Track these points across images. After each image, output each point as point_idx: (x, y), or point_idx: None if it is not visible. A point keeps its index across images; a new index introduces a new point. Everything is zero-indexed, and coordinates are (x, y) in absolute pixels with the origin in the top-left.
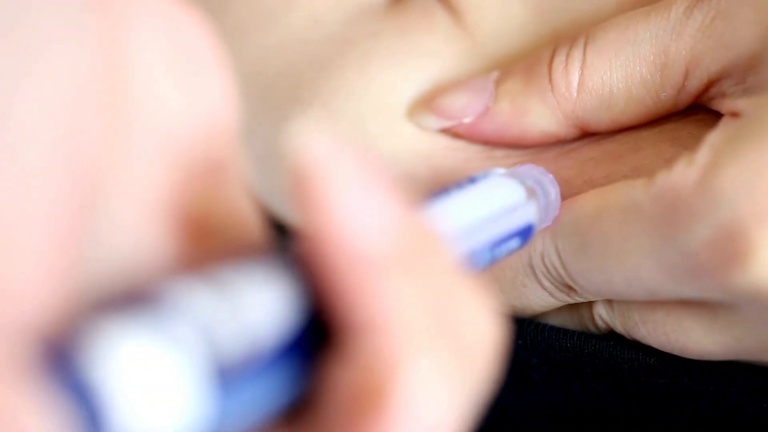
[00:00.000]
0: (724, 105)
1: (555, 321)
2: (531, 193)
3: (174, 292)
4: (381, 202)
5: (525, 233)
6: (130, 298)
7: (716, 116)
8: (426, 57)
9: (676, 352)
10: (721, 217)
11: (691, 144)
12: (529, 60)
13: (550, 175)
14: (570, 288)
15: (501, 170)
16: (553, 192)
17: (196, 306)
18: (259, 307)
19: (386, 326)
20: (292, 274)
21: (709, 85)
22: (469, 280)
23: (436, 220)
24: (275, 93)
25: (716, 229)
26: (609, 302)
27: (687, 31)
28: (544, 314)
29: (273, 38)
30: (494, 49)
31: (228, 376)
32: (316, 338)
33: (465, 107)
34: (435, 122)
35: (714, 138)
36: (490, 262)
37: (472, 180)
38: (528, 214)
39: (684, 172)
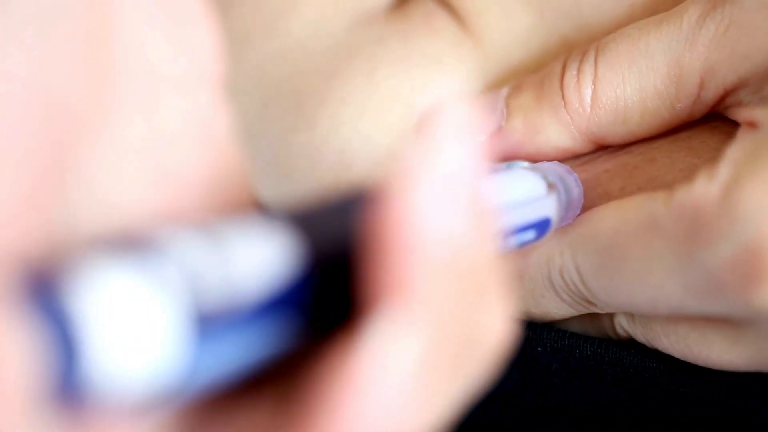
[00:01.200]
0: (740, 114)
1: (575, 327)
2: (551, 187)
3: (164, 237)
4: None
5: (542, 226)
6: (120, 240)
7: (729, 123)
8: (431, 62)
9: (699, 363)
10: (743, 235)
11: (705, 152)
12: (540, 74)
13: (575, 174)
14: (589, 302)
15: (525, 163)
16: (576, 191)
17: (184, 252)
18: (249, 261)
19: (400, 306)
20: (289, 232)
21: (725, 95)
22: (496, 278)
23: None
24: (279, 102)
25: (738, 248)
26: (630, 314)
27: (700, 41)
28: (564, 321)
29: (275, 44)
30: (500, 52)
31: (210, 324)
32: (309, 302)
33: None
34: None
35: (734, 152)
36: (503, 251)
37: (494, 170)
38: (546, 208)
39: (705, 189)
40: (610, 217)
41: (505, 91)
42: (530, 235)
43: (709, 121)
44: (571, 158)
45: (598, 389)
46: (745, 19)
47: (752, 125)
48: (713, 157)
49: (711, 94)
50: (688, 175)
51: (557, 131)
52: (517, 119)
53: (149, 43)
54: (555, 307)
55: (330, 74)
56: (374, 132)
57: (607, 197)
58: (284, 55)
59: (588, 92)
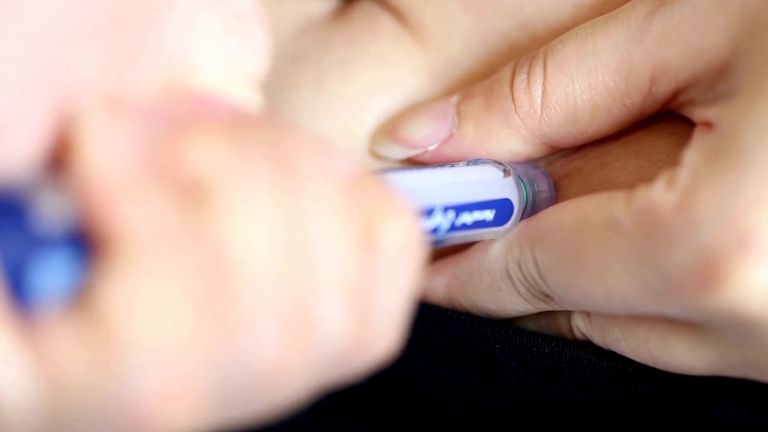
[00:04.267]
0: (694, 113)
1: (531, 326)
2: (507, 173)
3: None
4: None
5: (501, 207)
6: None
7: (677, 125)
8: (375, 61)
9: (658, 367)
10: (700, 240)
11: (654, 155)
12: (489, 80)
13: (541, 168)
14: (546, 296)
15: (486, 159)
16: (544, 182)
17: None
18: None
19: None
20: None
21: (678, 92)
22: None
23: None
24: None
25: (695, 253)
26: (587, 314)
27: (649, 37)
28: (520, 319)
29: None
30: (441, 50)
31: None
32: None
33: (429, 135)
34: (399, 152)
35: (692, 157)
36: (456, 226)
37: (453, 165)
38: (502, 190)
39: (664, 194)
40: (569, 213)
41: (455, 98)
42: (488, 214)
43: (658, 124)
44: (525, 163)
45: (555, 388)
46: (698, 16)
47: (707, 126)
48: (661, 159)
49: (663, 89)
50: (639, 178)
51: (508, 135)
52: (468, 125)
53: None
54: (511, 302)
55: (279, 83)
56: (330, 137)
57: (565, 200)
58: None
59: (538, 93)
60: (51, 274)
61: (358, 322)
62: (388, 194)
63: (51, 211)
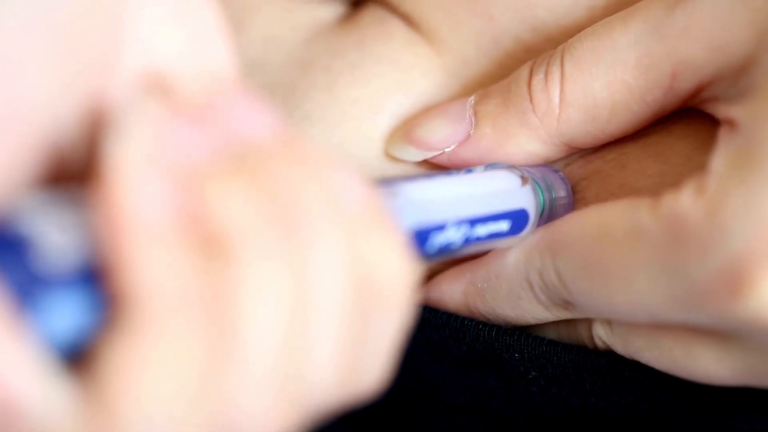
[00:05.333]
0: (718, 110)
1: (551, 335)
2: (525, 181)
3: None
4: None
5: (516, 218)
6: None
7: (697, 127)
8: (387, 63)
9: (683, 377)
10: (729, 248)
11: (673, 158)
12: (506, 80)
13: (561, 173)
14: (567, 304)
15: (503, 165)
16: (563, 188)
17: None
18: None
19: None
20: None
21: (701, 88)
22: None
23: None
24: None
25: (724, 261)
26: (608, 323)
27: (670, 32)
28: (540, 327)
29: None
30: (452, 53)
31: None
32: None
33: (446, 137)
34: (415, 154)
35: (718, 162)
36: (470, 239)
37: (468, 170)
38: (519, 200)
39: (692, 201)
40: (591, 221)
41: (472, 99)
42: (503, 225)
43: (677, 126)
44: (542, 165)
45: (575, 398)
46: (720, 11)
47: (731, 124)
48: (682, 164)
49: (685, 85)
50: (659, 182)
51: (526, 136)
52: (486, 126)
53: (163, 32)
54: (531, 310)
55: (290, 89)
56: (344, 141)
57: (584, 203)
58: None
59: (556, 92)
60: (55, 316)
61: (348, 370)
62: (389, 233)
63: (58, 246)
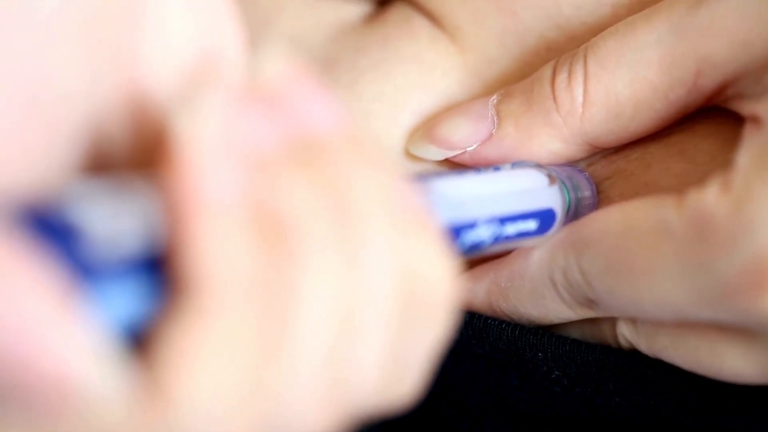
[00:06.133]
0: (743, 107)
1: (574, 334)
2: (553, 180)
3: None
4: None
5: (544, 218)
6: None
7: (721, 125)
8: (411, 61)
9: (709, 375)
10: (756, 244)
11: (698, 157)
12: (529, 80)
13: (586, 173)
14: (592, 303)
15: (530, 163)
16: (588, 188)
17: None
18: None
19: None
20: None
21: (725, 85)
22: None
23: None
24: None
25: (751, 257)
26: (632, 322)
27: (694, 30)
28: (563, 327)
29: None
30: (475, 50)
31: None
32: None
33: (468, 136)
34: (438, 153)
35: (743, 159)
36: (499, 237)
37: (496, 168)
38: (547, 199)
39: (718, 198)
40: (616, 219)
41: (494, 98)
42: (531, 224)
43: (701, 125)
44: (566, 164)
45: (599, 398)
46: (743, 8)
47: (756, 121)
48: (706, 162)
49: (709, 83)
50: (684, 181)
51: (549, 135)
52: (509, 125)
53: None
54: (555, 309)
55: None
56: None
57: (608, 202)
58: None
59: (579, 91)
60: (111, 301)
61: (388, 375)
62: (435, 239)
63: (112, 232)
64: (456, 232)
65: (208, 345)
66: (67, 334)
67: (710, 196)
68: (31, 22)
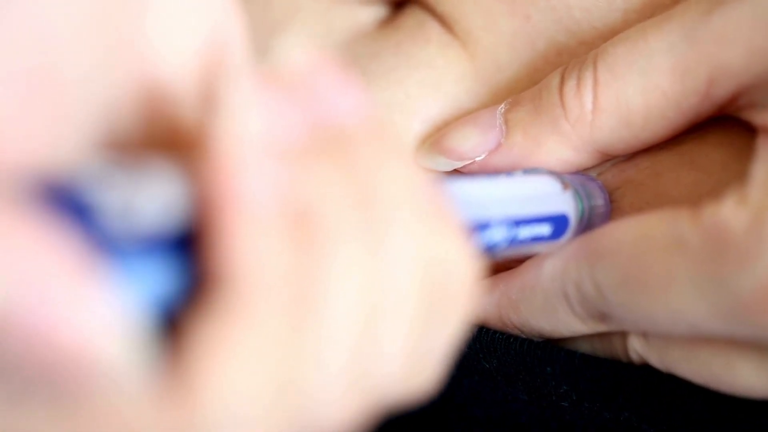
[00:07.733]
0: (756, 117)
1: (584, 348)
2: (566, 186)
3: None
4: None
5: (558, 222)
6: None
7: (732, 136)
8: (423, 67)
9: (722, 390)
10: None
11: (709, 167)
12: (538, 87)
13: (599, 182)
14: (604, 316)
15: (543, 169)
16: (601, 197)
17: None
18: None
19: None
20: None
21: (738, 94)
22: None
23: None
24: None
25: (766, 272)
26: (644, 335)
27: (707, 37)
28: (573, 341)
29: (268, 64)
30: (486, 54)
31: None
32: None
33: (476, 146)
34: (447, 164)
35: (759, 171)
36: (513, 240)
37: (509, 174)
38: (561, 204)
39: (735, 212)
40: (631, 232)
41: (502, 107)
42: (545, 229)
43: (712, 134)
44: (578, 172)
45: (607, 412)
46: (758, 16)
47: None
48: (718, 172)
49: (722, 91)
50: (695, 192)
51: (558, 143)
52: (517, 134)
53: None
54: (567, 322)
55: None
56: None
57: (619, 212)
58: None
59: (589, 98)
60: (136, 281)
61: (410, 366)
62: (457, 232)
63: (137, 211)
64: (470, 232)
65: (242, 344)
66: (87, 307)
67: (726, 210)
68: (42, 6)
